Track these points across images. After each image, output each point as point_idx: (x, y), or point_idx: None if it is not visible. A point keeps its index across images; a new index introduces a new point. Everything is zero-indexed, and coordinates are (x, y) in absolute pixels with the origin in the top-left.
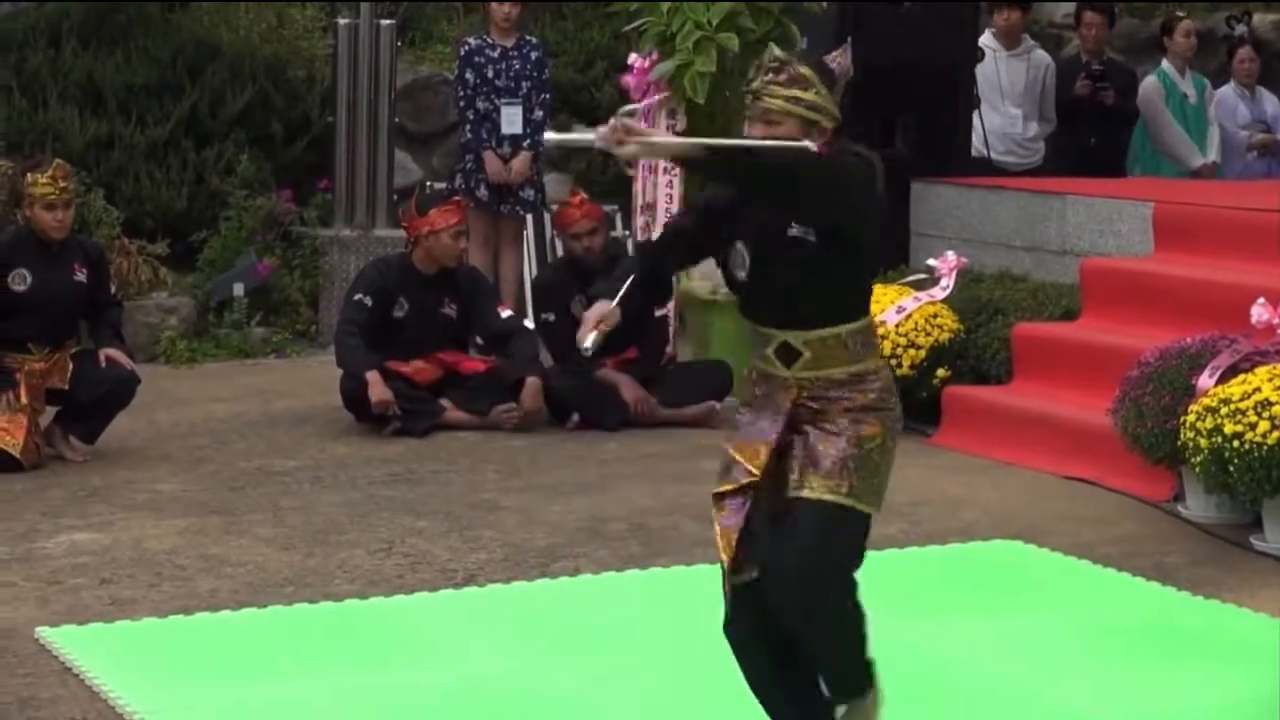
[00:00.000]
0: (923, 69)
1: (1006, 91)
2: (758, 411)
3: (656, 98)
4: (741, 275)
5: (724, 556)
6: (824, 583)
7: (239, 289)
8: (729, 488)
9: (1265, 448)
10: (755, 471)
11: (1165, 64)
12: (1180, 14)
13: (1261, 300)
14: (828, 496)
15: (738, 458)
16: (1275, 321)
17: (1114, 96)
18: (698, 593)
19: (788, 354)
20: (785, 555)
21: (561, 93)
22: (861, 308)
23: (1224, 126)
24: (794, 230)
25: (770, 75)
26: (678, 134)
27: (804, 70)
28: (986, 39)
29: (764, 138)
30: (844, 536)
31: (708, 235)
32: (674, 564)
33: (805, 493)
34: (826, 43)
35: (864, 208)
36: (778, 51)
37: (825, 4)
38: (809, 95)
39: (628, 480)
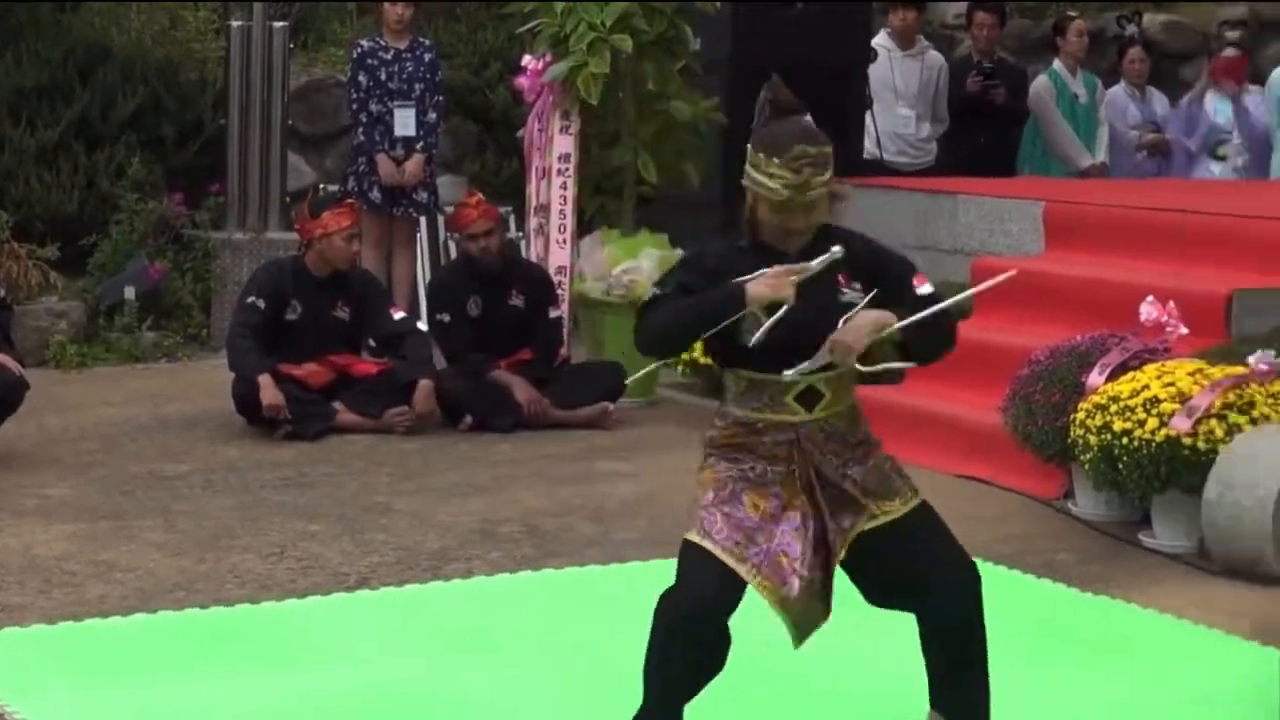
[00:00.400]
0: (816, 70)
1: (900, 92)
2: (754, 459)
3: (550, 99)
4: (753, 339)
5: (770, 584)
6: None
7: (130, 293)
8: (753, 520)
9: (1154, 445)
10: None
11: (1057, 64)
12: (1072, 14)
13: (1150, 298)
14: (914, 501)
15: (747, 499)
16: (1164, 319)
17: (1005, 95)
18: (591, 594)
19: (811, 398)
20: (950, 567)
21: (456, 95)
22: None
23: (1114, 126)
24: (847, 295)
25: (813, 168)
26: (577, 140)
27: (829, 152)
28: (881, 39)
29: (807, 225)
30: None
31: None
32: (567, 565)
33: (891, 514)
34: (720, 43)
35: None
36: (818, 143)
37: (719, 4)
38: (828, 172)
39: (521, 482)
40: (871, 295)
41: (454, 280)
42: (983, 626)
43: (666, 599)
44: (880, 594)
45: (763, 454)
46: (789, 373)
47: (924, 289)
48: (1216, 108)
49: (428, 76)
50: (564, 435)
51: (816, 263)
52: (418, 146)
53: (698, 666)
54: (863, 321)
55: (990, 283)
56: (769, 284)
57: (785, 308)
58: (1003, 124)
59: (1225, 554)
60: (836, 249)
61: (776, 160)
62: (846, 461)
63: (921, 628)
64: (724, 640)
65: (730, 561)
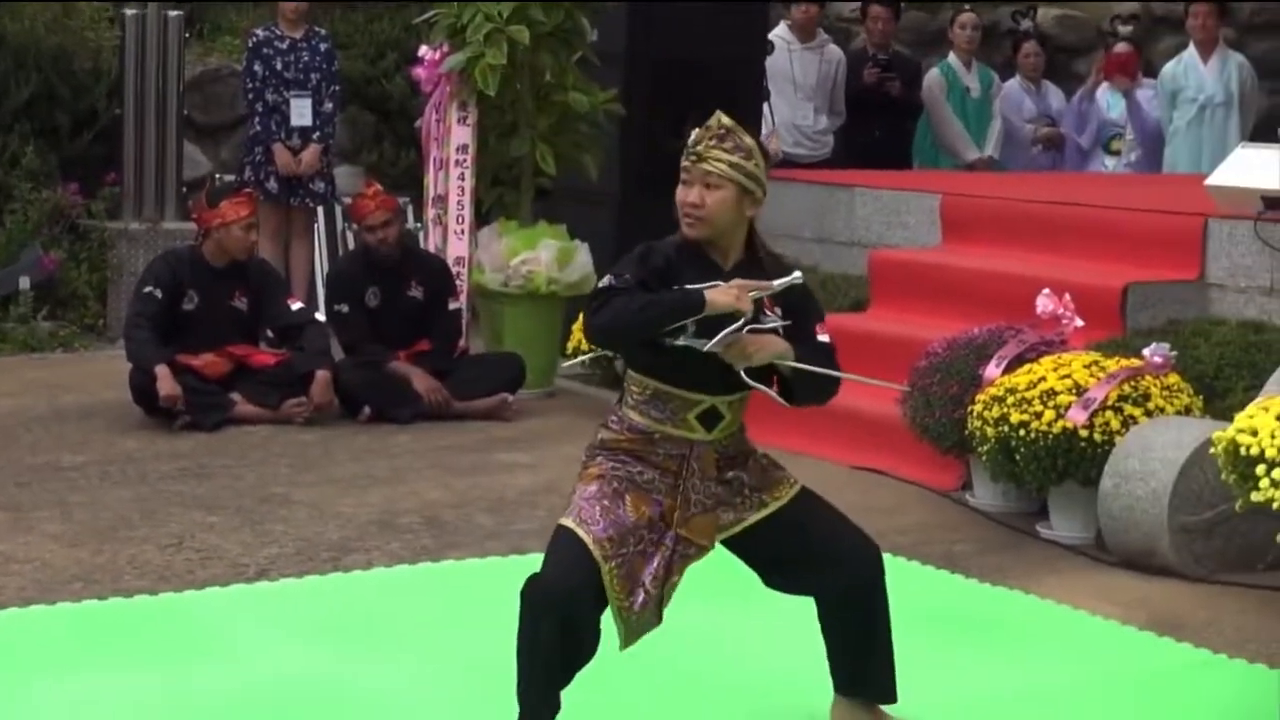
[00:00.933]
0: (713, 62)
1: (799, 84)
2: (643, 466)
3: (447, 90)
4: (680, 342)
5: (619, 591)
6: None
7: (24, 282)
8: (630, 520)
9: (1050, 436)
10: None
11: (951, 57)
12: (965, 7)
13: (1046, 291)
14: (797, 487)
15: (629, 500)
16: (1060, 312)
17: (899, 88)
18: (491, 585)
19: (712, 418)
20: (854, 535)
21: (352, 85)
22: None
23: (1009, 120)
24: (768, 321)
25: (715, 140)
26: (474, 131)
27: (749, 140)
28: (780, 32)
29: (701, 200)
30: None
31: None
32: (467, 556)
33: (781, 499)
34: (617, 35)
35: None
36: (725, 119)
37: None
38: (750, 165)
39: (420, 473)
40: (785, 324)
41: (352, 271)
42: (886, 599)
43: (532, 582)
44: (784, 576)
45: (653, 463)
46: (682, 341)
47: (822, 337)
48: (1109, 102)
49: (324, 66)
50: (463, 426)
51: (779, 283)
52: (314, 136)
53: (564, 649)
54: (771, 343)
55: (884, 383)
56: (733, 295)
57: (743, 320)
58: (898, 117)
59: (1121, 545)
60: (797, 274)
61: (690, 133)
62: (727, 469)
63: (822, 609)
64: (589, 626)
65: (596, 555)
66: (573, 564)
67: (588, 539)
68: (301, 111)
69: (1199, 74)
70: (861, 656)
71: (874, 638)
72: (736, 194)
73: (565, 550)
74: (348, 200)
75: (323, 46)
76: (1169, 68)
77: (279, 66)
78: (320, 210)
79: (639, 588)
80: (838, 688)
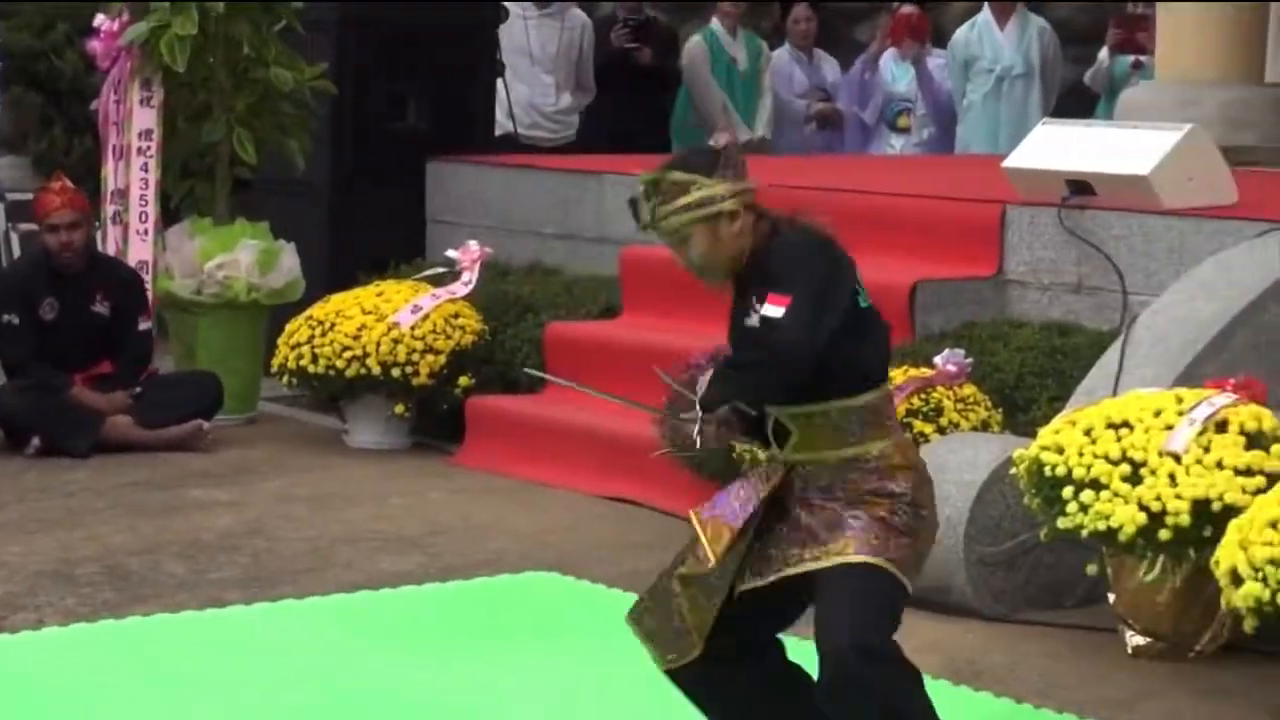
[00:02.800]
0: (439, 33)
1: (537, 57)
2: (740, 486)
3: (128, 66)
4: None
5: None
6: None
7: None
8: (697, 572)
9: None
10: (713, 557)
11: (714, 23)
12: None
13: None
14: (855, 558)
15: (702, 538)
16: None
17: (649, 56)
18: (185, 643)
19: (779, 434)
20: (834, 629)
21: (16, 60)
22: (858, 385)
23: (779, 95)
24: (752, 317)
25: (653, 203)
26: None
27: (675, 176)
28: None
29: (689, 260)
30: (885, 599)
31: None
32: (156, 611)
33: (825, 560)
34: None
35: (838, 278)
36: (644, 176)
37: None
38: (694, 195)
39: (100, 515)
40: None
41: (26, 277)
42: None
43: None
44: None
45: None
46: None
47: (768, 310)
48: (894, 73)
49: None
50: (151, 459)
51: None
52: None
53: None
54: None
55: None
56: None
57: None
58: (652, 91)
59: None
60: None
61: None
62: (807, 508)
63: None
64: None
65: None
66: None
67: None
68: None
69: (995, 41)
70: None
71: None
72: (707, 228)
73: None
74: (15, 196)
75: None
76: (961, 33)
77: None
78: None
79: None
80: None
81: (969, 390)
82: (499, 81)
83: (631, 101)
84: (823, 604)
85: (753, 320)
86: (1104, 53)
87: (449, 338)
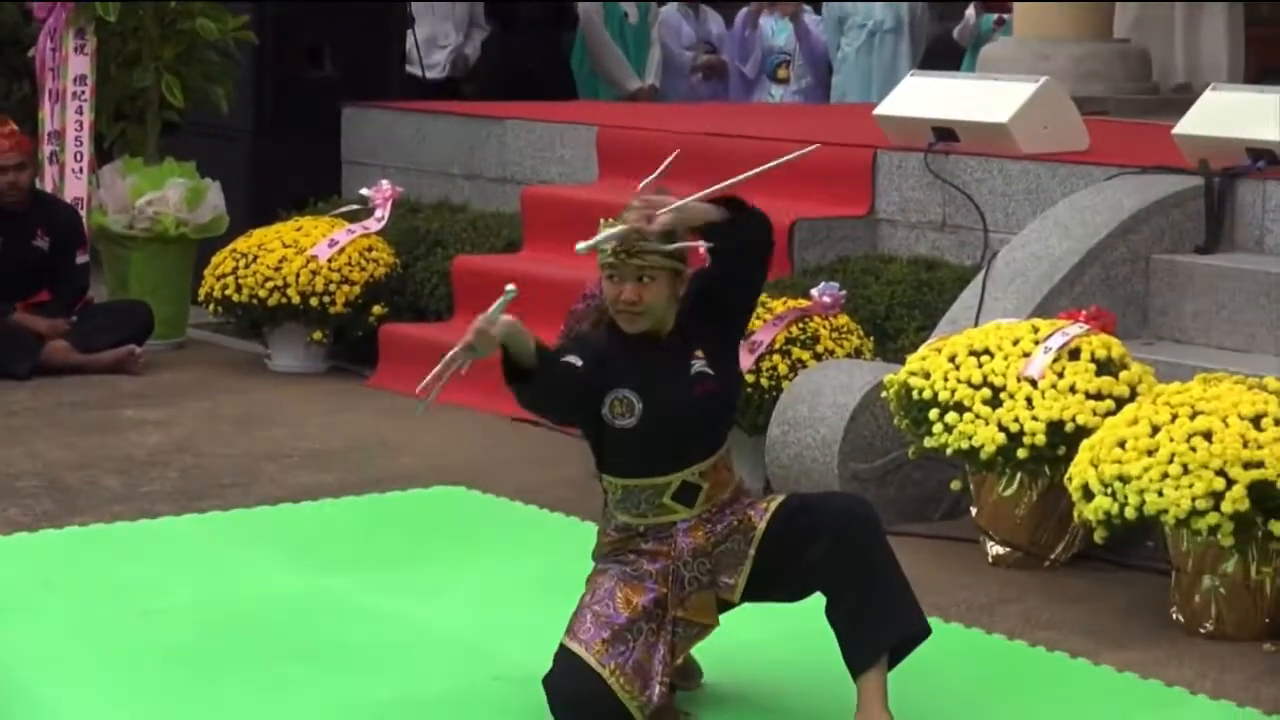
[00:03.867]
0: None
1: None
2: (635, 557)
3: (63, 16)
4: (630, 422)
5: (630, 689)
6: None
7: None
8: (624, 617)
9: None
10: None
11: None
12: None
13: None
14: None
15: (619, 596)
16: None
17: (543, 9)
18: (118, 551)
19: (688, 494)
20: (831, 511)
21: None
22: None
23: (668, 47)
24: (697, 365)
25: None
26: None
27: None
28: None
29: (638, 296)
30: None
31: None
32: (92, 521)
33: (756, 537)
34: None
35: None
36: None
37: None
38: (675, 245)
39: (39, 433)
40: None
41: None
42: (885, 552)
43: (548, 688)
44: (800, 586)
45: (644, 551)
46: (580, 245)
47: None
48: (774, 29)
49: None
50: (86, 381)
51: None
52: None
53: None
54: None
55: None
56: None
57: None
58: (549, 27)
59: (790, 493)
60: (510, 287)
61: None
62: (721, 541)
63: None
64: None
65: (592, 663)
66: (575, 673)
67: (581, 651)
68: None
69: None
70: (864, 609)
71: (874, 586)
72: (670, 280)
73: (568, 667)
74: None
75: None
76: None
77: None
78: None
79: (652, 680)
80: (855, 668)
81: (843, 320)
82: (409, 32)
83: (529, 38)
84: (802, 512)
85: (697, 367)
86: (970, 10)
87: (363, 270)
